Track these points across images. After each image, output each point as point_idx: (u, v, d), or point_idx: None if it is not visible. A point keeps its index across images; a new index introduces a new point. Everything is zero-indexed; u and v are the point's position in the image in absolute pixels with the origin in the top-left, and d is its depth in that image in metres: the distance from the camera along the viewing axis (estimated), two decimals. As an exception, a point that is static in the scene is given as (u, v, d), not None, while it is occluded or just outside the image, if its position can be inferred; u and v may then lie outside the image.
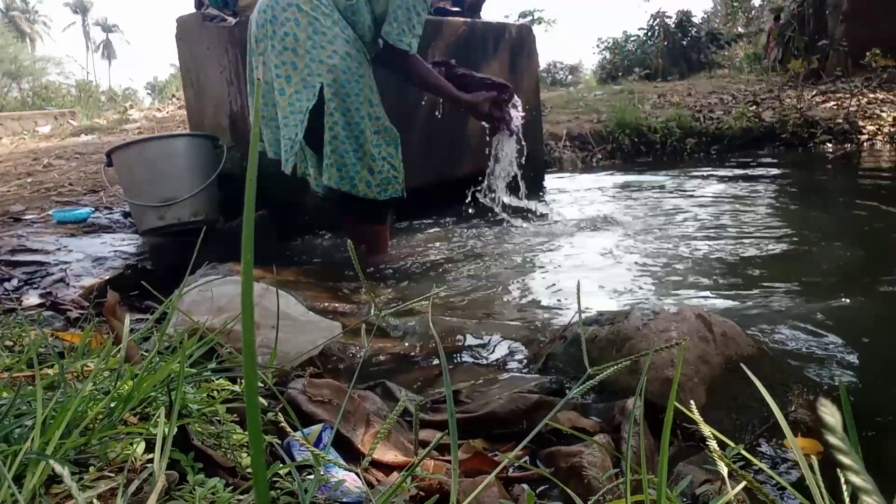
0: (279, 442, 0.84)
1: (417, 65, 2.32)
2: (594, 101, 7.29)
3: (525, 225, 2.87)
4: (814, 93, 7.14)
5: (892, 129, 5.58)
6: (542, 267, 2.30)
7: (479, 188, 2.73)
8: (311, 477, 0.72)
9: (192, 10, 3.13)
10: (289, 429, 0.82)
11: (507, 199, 2.76)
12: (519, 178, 2.69)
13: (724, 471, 0.57)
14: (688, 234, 2.62)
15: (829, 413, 0.29)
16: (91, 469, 0.67)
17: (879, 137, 5.53)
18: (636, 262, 2.26)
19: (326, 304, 1.76)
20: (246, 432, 0.83)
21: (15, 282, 2.11)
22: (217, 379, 0.95)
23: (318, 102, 2.11)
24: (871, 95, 6.80)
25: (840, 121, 5.73)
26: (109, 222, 3.01)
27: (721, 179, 4.25)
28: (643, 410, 1.00)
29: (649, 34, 16.70)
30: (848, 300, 1.74)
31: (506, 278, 2.15)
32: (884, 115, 5.89)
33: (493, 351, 1.48)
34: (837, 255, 2.31)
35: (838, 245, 2.41)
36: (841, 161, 4.91)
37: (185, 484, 0.68)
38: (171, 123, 7.40)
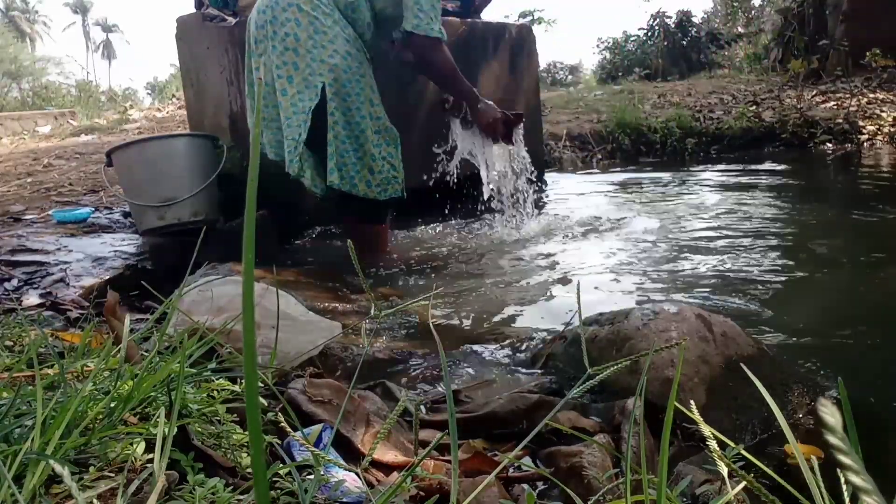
0: (279, 442, 0.84)
1: (446, 50, 2.30)
2: (594, 101, 7.29)
3: (525, 225, 2.87)
4: (814, 93, 7.13)
5: (892, 129, 5.58)
6: (543, 267, 2.30)
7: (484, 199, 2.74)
8: (311, 477, 0.72)
9: (192, 10, 3.13)
10: (289, 429, 0.82)
11: (508, 201, 2.77)
12: (528, 195, 2.73)
13: (724, 471, 0.57)
14: (688, 234, 2.62)
15: (829, 413, 0.29)
16: (91, 469, 0.67)
17: (879, 137, 5.52)
18: (636, 262, 2.26)
19: (326, 304, 1.76)
20: (246, 432, 0.83)
21: (15, 282, 2.11)
22: (217, 379, 0.95)
23: (318, 102, 2.11)
24: (871, 95, 6.79)
25: (840, 121, 5.72)
26: (109, 222, 3.01)
27: (721, 179, 4.25)
28: (643, 410, 1.00)
29: (649, 34, 16.67)
30: (848, 300, 1.74)
31: (506, 278, 2.15)
32: (884, 115, 5.88)
33: (493, 351, 1.48)
34: (837, 255, 2.31)
35: (838, 245, 2.42)
36: (841, 161, 4.90)
37: (185, 484, 0.68)
38: (171, 123, 7.40)
